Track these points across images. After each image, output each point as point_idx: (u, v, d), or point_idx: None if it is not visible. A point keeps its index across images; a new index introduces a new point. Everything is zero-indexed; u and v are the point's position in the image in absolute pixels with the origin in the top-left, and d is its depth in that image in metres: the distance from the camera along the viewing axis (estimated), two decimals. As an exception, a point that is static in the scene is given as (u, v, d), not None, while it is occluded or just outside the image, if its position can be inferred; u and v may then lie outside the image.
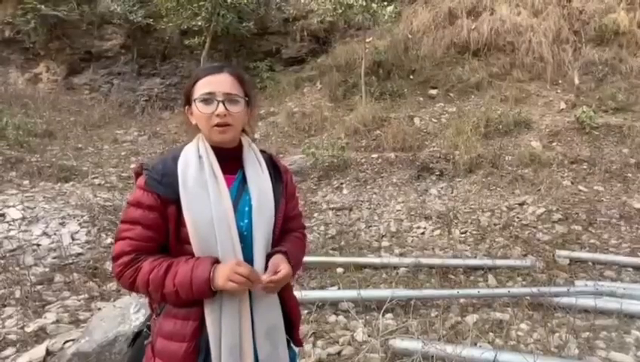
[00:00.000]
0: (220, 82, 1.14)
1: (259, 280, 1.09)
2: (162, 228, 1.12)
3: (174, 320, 1.11)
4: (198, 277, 1.04)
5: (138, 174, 1.16)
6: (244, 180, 1.20)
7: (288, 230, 1.30)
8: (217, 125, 1.13)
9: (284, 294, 1.25)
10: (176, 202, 1.10)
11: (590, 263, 3.86)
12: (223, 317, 1.10)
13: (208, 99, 1.13)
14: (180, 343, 1.10)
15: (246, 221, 1.16)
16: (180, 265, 1.07)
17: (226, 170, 1.16)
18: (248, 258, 1.15)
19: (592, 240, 4.30)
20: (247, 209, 1.17)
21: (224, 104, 1.12)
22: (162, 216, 1.11)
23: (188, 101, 1.19)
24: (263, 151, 1.29)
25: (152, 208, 1.11)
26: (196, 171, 1.12)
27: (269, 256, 1.18)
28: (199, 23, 8.51)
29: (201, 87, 1.14)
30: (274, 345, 1.19)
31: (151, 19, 9.30)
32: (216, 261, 1.08)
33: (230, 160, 1.19)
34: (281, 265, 1.14)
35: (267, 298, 1.18)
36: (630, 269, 3.75)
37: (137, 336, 1.27)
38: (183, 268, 1.06)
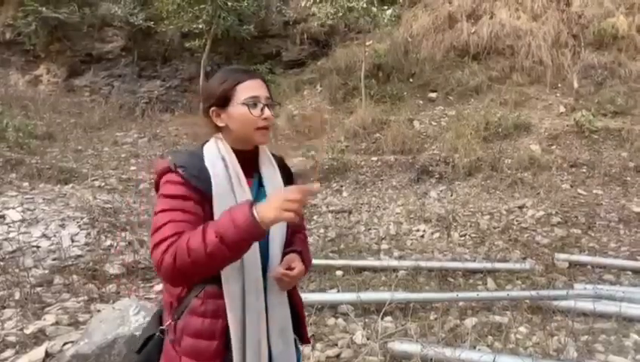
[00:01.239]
0: (260, 87, 1.19)
1: (312, 191, 1.06)
2: (200, 216, 1.08)
3: (202, 318, 1.11)
4: (239, 214, 0.98)
5: (165, 171, 1.13)
6: (260, 183, 1.23)
7: (294, 231, 1.33)
8: (262, 128, 1.17)
9: (292, 293, 1.28)
10: (210, 198, 1.11)
11: (589, 266, 3.87)
12: (247, 314, 1.11)
13: (255, 103, 1.16)
14: (210, 341, 1.10)
15: None
16: (216, 221, 1.02)
17: (244, 173, 1.19)
18: (265, 258, 1.18)
19: (591, 244, 4.31)
20: None
21: (268, 108, 1.18)
22: (198, 204, 1.09)
23: (222, 103, 1.17)
24: (273, 155, 1.34)
25: (189, 198, 1.09)
26: (222, 171, 1.14)
27: (283, 256, 1.21)
28: (200, 26, 8.55)
29: (246, 91, 1.16)
30: (287, 343, 1.22)
31: (152, 22, 9.34)
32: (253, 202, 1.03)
33: (247, 163, 1.22)
34: (296, 263, 1.18)
35: (280, 297, 1.21)
36: (629, 272, 3.76)
37: (148, 340, 1.22)
38: (220, 218, 1.01)
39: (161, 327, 1.20)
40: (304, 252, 1.26)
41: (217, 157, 1.16)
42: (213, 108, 1.19)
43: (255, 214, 0.97)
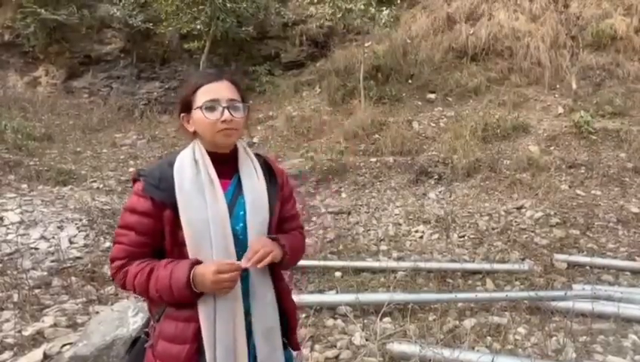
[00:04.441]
0: (222, 89, 1.17)
1: (241, 267, 1.11)
2: (156, 234, 1.15)
3: (175, 322, 1.13)
4: (177, 282, 1.06)
5: (135, 181, 1.18)
6: (239, 184, 1.22)
7: (287, 230, 1.32)
8: (223, 130, 1.16)
9: (282, 297, 1.27)
10: (173, 206, 1.12)
11: (588, 267, 3.87)
12: (217, 318, 1.12)
13: (213, 106, 1.15)
14: (182, 345, 1.11)
15: (241, 225, 1.18)
16: (160, 270, 1.10)
17: (221, 175, 1.19)
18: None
19: (589, 245, 4.31)
20: (242, 213, 1.19)
21: (229, 110, 1.15)
22: (157, 221, 1.14)
23: (186, 108, 1.20)
24: (257, 155, 1.32)
25: (147, 214, 1.13)
26: (192, 175, 1.15)
27: None
28: (199, 27, 8.55)
29: (205, 95, 1.16)
30: (273, 347, 1.21)
31: (150, 24, 9.33)
32: (197, 262, 1.09)
33: (225, 164, 1.21)
34: (261, 243, 1.14)
35: (265, 299, 1.20)
36: (628, 273, 3.76)
37: (135, 342, 1.27)
38: (162, 274, 1.09)
39: (145, 329, 1.24)
40: (285, 238, 1.23)
41: (189, 162, 1.16)
42: (182, 114, 1.21)
43: (192, 283, 1.06)
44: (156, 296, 1.10)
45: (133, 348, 1.26)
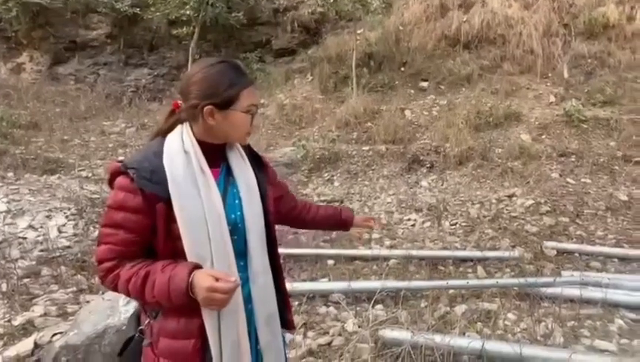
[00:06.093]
0: (257, 93, 1.21)
1: (238, 283, 1.05)
2: (146, 230, 1.08)
3: (178, 318, 1.09)
4: (176, 290, 1.01)
5: (117, 174, 1.10)
6: (228, 173, 1.21)
7: (296, 206, 1.52)
8: (249, 132, 1.21)
9: (279, 280, 1.29)
10: (166, 199, 1.07)
11: (577, 254, 3.92)
12: (221, 314, 1.09)
13: (253, 110, 1.18)
14: (187, 340, 1.09)
15: (238, 213, 1.17)
16: (157, 275, 1.04)
17: (210, 164, 1.15)
18: (240, 249, 1.16)
19: (578, 232, 4.37)
20: (237, 202, 1.18)
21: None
22: (148, 216, 1.07)
23: (224, 105, 1.11)
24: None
25: (137, 210, 1.06)
26: (184, 167, 1.09)
27: (338, 217, 1.61)
28: (187, 13, 8.36)
29: (249, 98, 1.15)
30: (274, 333, 1.23)
31: (138, 9, 9.10)
32: (196, 267, 1.04)
33: (213, 153, 1.18)
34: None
35: (265, 286, 1.21)
36: (615, 260, 3.82)
37: (128, 342, 1.22)
38: (160, 279, 1.03)
39: (140, 328, 1.19)
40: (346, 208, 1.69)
41: (179, 152, 1.10)
42: (209, 107, 1.10)
43: (190, 290, 1.01)
44: (153, 301, 1.05)
45: (127, 350, 1.21)
